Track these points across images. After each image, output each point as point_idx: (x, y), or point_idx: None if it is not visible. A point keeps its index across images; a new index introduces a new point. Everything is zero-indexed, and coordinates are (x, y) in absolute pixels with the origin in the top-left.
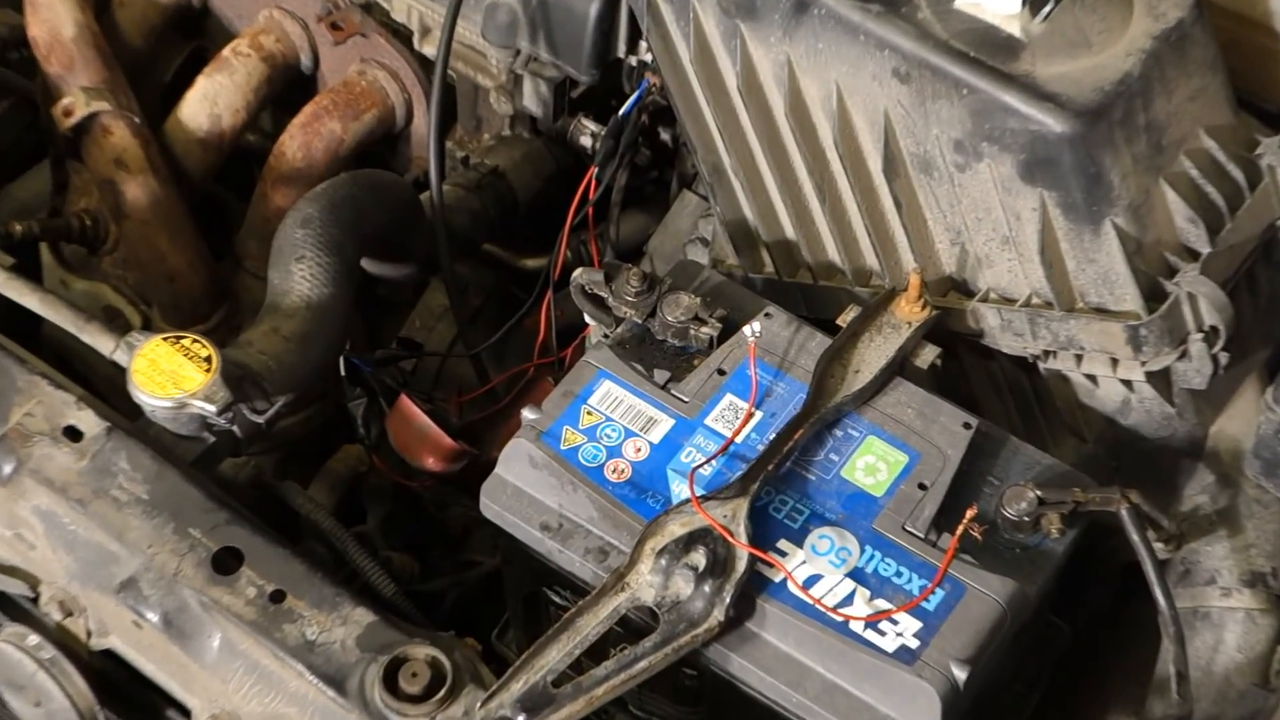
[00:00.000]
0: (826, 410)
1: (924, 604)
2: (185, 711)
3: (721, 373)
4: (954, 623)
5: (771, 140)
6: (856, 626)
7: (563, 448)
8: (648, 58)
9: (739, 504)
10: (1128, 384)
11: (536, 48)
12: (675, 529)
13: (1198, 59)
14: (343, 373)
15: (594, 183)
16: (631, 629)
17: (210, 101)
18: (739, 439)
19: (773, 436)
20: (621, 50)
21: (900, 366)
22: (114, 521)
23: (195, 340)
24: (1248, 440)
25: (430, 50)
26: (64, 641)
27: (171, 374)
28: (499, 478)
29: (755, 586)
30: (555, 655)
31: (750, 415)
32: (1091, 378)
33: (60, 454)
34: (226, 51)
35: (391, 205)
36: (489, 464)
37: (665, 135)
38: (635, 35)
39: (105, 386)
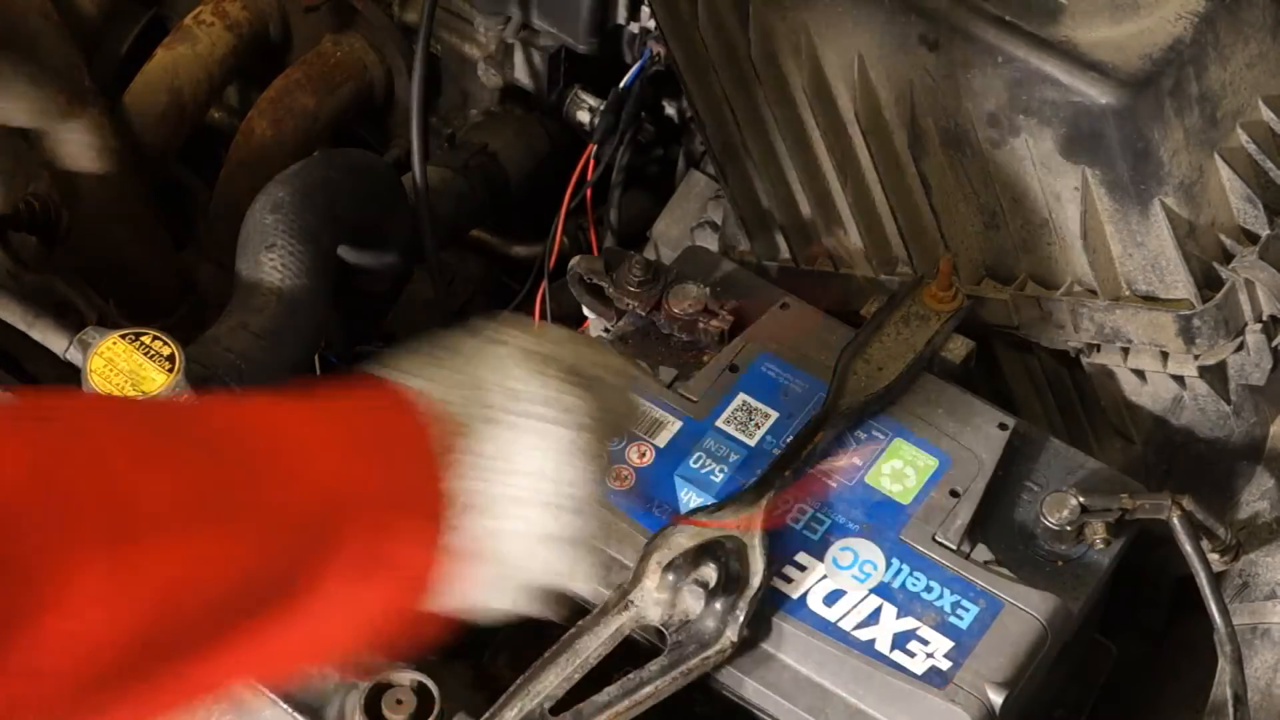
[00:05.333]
0: (849, 410)
1: (956, 622)
2: None
3: (734, 370)
4: (989, 642)
5: (788, 115)
6: (883, 647)
7: None
8: (651, 24)
9: (754, 514)
10: (1179, 380)
11: (529, 14)
12: (683, 541)
13: (1255, 23)
14: (318, 372)
15: (592, 162)
16: (636, 651)
17: (170, 75)
18: (754, 442)
19: (790, 439)
20: (622, 16)
21: (929, 362)
22: None
23: (156, 337)
24: None
25: (412, 17)
26: None
27: (130, 374)
28: None
29: (772, 604)
30: (553, 680)
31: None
32: (1139, 373)
33: None
34: (188, 20)
35: (370, 188)
36: None
37: (671, 110)
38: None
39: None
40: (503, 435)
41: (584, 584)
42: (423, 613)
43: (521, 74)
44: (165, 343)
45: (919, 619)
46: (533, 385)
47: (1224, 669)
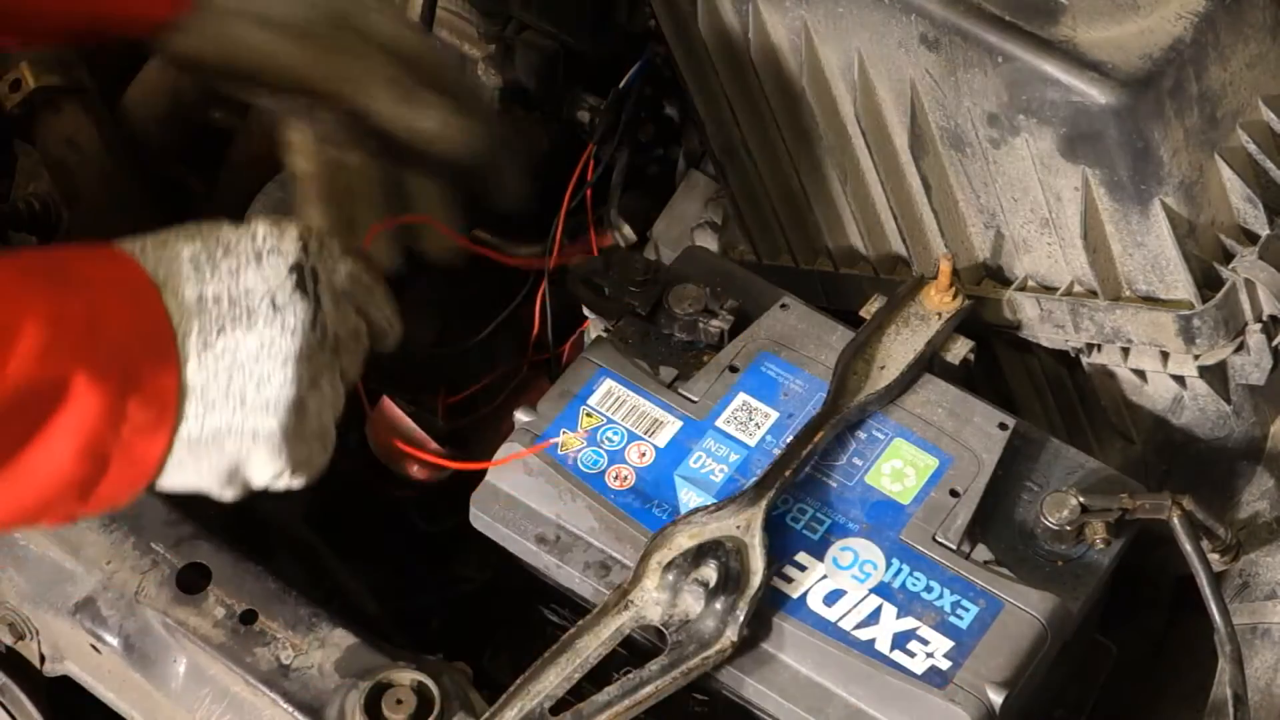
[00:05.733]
0: (849, 410)
1: (956, 621)
2: None
3: (734, 370)
4: (989, 642)
5: (788, 115)
6: (883, 647)
7: (560, 452)
8: (651, 24)
9: (754, 513)
10: (1179, 380)
11: (529, 14)
12: (684, 541)
13: (1255, 22)
14: None
15: (592, 162)
16: (636, 651)
17: (172, 75)
18: (754, 442)
19: (790, 439)
20: (623, 16)
21: (929, 362)
22: (69, 536)
23: None
24: None
25: (412, 17)
26: (15, 667)
27: None
28: (490, 486)
29: (772, 603)
30: (553, 679)
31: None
32: (1139, 373)
33: None
34: None
35: None
36: (479, 471)
37: (671, 110)
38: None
39: None
40: (237, 335)
41: (268, 479)
42: (142, 490)
43: (522, 74)
44: None
45: (919, 619)
46: (280, 292)
47: (1224, 669)
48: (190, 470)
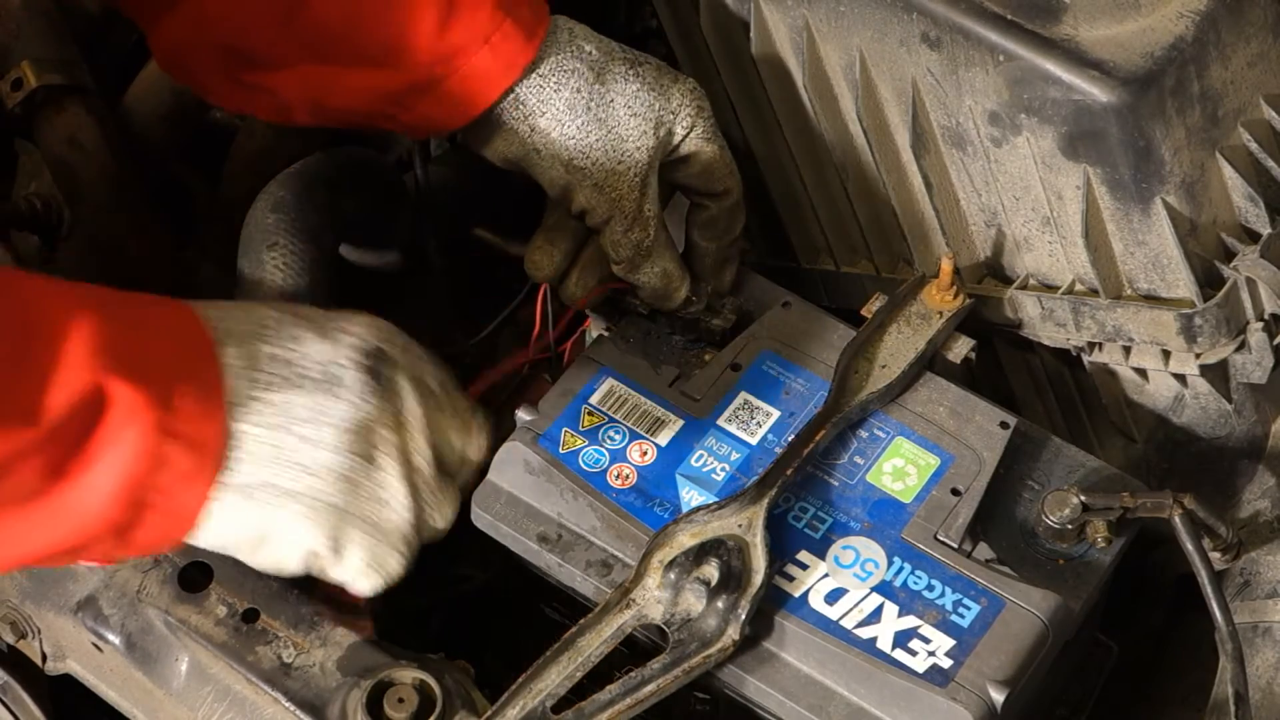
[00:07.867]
0: (850, 409)
1: (958, 620)
2: None
3: (735, 368)
4: (991, 641)
5: (789, 113)
6: (884, 645)
7: (561, 451)
8: (653, 23)
9: (755, 512)
10: (1181, 378)
11: None
12: (685, 540)
13: (1257, 21)
14: None
15: None
16: (638, 649)
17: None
18: (755, 440)
19: (792, 438)
20: (624, 15)
21: (931, 361)
22: None
23: None
24: None
25: None
26: (17, 665)
27: None
28: (492, 485)
29: (773, 602)
30: (555, 678)
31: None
32: (1141, 372)
33: None
34: None
35: (372, 187)
36: (480, 470)
37: None
38: None
39: None
40: (290, 394)
41: (302, 552)
42: (178, 540)
43: None
44: None
45: (920, 617)
46: (336, 365)
47: (1225, 667)
48: (227, 525)
